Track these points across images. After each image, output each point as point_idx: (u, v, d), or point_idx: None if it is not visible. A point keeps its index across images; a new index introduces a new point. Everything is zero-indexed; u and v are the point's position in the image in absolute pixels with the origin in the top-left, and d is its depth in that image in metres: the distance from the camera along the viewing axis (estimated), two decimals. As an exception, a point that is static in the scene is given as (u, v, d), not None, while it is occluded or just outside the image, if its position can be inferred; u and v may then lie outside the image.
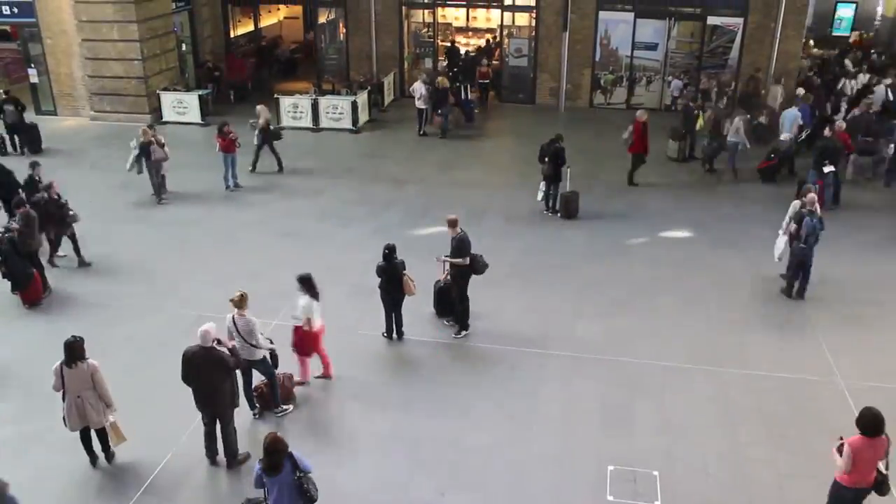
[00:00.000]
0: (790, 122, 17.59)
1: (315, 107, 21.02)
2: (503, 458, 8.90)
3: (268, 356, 9.40)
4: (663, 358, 10.72)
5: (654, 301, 12.29)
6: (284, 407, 9.66)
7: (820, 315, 11.88)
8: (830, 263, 13.19)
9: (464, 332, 11.27)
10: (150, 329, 11.45)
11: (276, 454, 6.82)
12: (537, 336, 11.28)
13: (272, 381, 9.53)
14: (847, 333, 11.46)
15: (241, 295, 9.03)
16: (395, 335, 11.20)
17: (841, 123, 16.64)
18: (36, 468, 8.70)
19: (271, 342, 9.44)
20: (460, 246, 10.84)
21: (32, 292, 12.12)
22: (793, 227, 12.17)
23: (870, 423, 7.15)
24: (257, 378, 9.58)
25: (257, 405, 9.59)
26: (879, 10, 30.05)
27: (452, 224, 10.96)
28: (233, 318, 9.01)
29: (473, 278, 11.16)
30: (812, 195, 12.23)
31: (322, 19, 25.39)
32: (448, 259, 11.02)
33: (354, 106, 20.95)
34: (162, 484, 8.53)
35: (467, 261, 10.87)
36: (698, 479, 8.61)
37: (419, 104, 20.65)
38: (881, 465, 7.37)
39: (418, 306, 11.46)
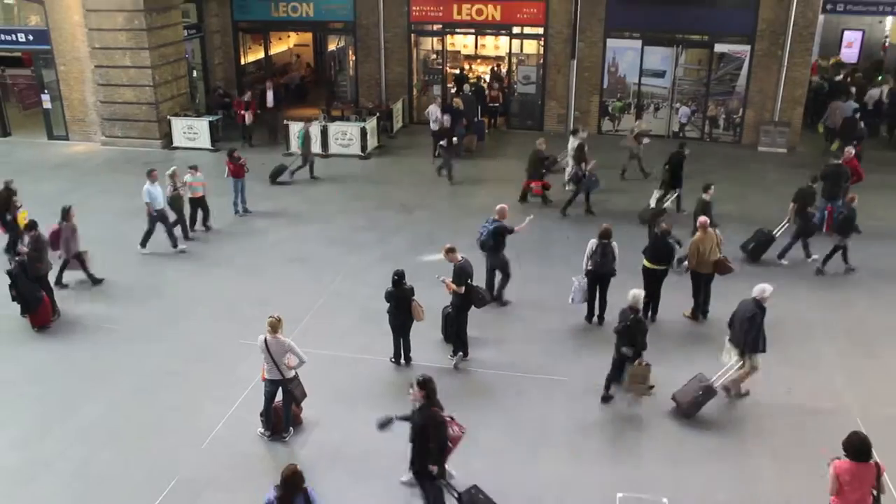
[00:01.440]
0: None
1: (324, 133, 21.17)
2: (511, 485, 8.80)
3: (299, 377, 9.51)
4: (671, 384, 10.62)
5: (661, 326, 12.22)
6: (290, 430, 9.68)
7: (831, 343, 11.78)
8: (841, 291, 13.11)
9: (460, 355, 11.23)
10: (158, 354, 11.45)
11: (294, 487, 6.79)
12: (544, 362, 11.21)
13: (289, 403, 9.55)
14: (859, 361, 11.34)
15: (277, 318, 9.26)
16: (402, 360, 11.18)
17: (850, 149, 16.61)
18: (42, 493, 8.65)
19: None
20: (459, 273, 10.95)
21: (42, 316, 12.14)
22: None
23: (855, 447, 7.07)
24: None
25: (269, 427, 9.58)
26: (886, 36, 30.10)
27: (450, 251, 11.12)
28: (265, 340, 9.17)
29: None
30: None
31: (332, 47, 25.62)
32: (447, 282, 11.06)
33: (364, 132, 21.08)
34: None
35: (462, 289, 10.91)
36: (709, 508, 8.52)
37: (434, 126, 20.64)
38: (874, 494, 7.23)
39: (426, 332, 11.43)
